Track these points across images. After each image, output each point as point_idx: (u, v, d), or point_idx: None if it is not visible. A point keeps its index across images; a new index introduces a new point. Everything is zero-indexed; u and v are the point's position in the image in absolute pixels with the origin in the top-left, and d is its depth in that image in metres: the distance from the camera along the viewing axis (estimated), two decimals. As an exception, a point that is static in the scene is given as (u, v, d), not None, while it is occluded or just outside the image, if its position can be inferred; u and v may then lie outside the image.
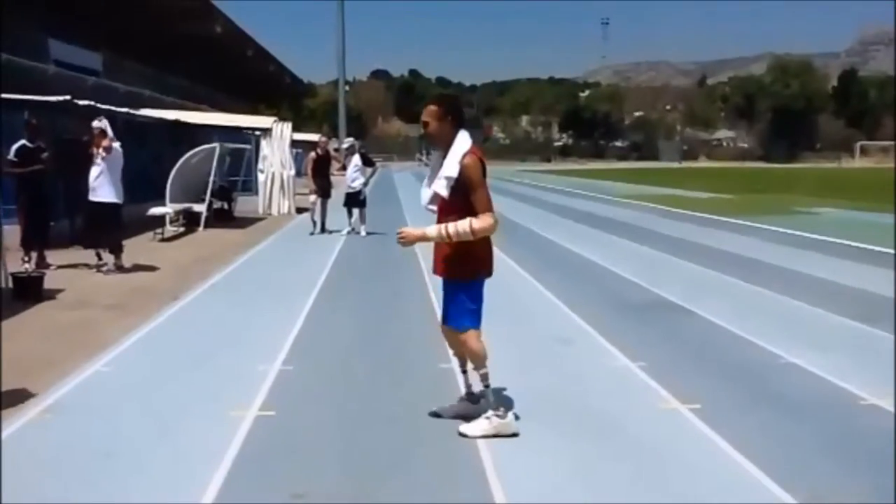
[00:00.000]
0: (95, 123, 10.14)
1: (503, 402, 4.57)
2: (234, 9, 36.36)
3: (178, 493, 3.62)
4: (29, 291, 8.33)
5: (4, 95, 11.58)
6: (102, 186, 10.16)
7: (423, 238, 4.43)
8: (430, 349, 6.15)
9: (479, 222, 4.26)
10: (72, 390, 5.22)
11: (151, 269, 10.72)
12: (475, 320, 4.44)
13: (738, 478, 3.85)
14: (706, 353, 6.27)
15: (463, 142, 4.34)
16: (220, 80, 45.20)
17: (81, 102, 13.92)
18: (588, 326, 7.10)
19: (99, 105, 15.04)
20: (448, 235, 4.32)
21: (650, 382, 5.39)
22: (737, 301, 8.47)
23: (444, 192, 4.33)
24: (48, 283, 8.74)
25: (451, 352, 4.79)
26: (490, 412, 4.39)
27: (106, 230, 10.42)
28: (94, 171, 10.14)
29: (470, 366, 4.57)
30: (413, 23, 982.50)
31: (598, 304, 8.23)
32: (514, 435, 4.35)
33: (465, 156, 4.30)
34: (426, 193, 4.50)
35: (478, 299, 4.45)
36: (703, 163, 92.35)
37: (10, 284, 8.37)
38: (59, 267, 10.45)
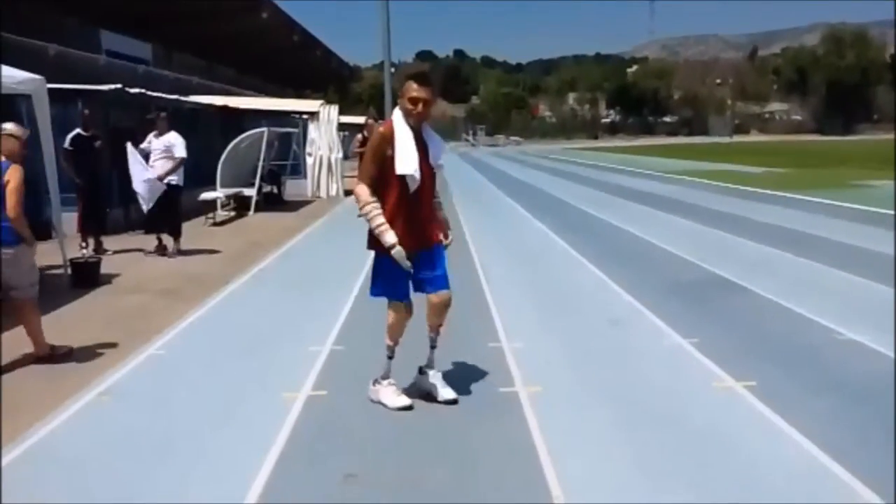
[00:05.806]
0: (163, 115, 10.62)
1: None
2: (279, -6, 36.30)
3: (234, 472, 3.68)
4: (86, 277, 8.54)
5: (58, 85, 11.81)
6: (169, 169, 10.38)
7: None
8: (479, 328, 6.16)
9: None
10: (128, 373, 5.33)
11: (205, 253, 10.89)
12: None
13: (802, 461, 3.73)
14: (759, 330, 6.13)
15: None
16: (268, 68, 45.49)
17: (132, 90, 14.16)
18: (639, 304, 7.01)
19: (149, 93, 15.31)
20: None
21: (703, 360, 5.31)
22: (790, 276, 8.28)
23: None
24: (105, 269, 8.94)
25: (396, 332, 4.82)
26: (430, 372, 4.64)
27: (170, 213, 10.58)
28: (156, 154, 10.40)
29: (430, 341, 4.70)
30: (457, 2, 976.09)
31: (650, 281, 8.12)
32: None
33: None
34: (417, 170, 4.32)
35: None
36: (754, 137, 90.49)
37: (69, 270, 8.58)
38: (115, 252, 10.68)
